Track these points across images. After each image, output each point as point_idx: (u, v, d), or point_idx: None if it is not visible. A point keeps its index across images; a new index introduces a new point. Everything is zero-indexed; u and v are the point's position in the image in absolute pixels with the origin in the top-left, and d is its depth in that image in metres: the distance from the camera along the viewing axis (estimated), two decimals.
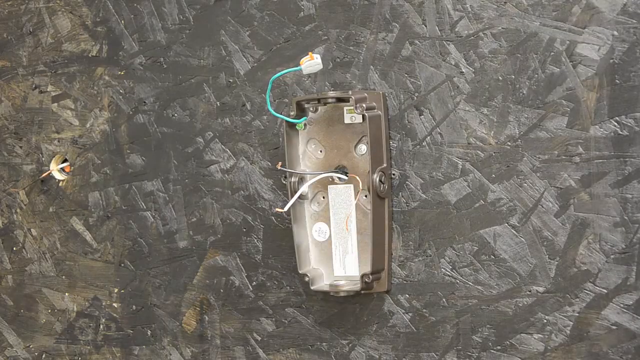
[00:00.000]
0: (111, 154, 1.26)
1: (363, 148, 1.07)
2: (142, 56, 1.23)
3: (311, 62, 1.01)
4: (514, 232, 1.02)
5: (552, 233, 1.00)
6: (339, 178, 1.09)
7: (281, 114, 1.10)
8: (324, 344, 1.13)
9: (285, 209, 1.06)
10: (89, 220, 1.28)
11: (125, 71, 1.24)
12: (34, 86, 1.31)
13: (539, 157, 1.01)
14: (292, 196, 1.06)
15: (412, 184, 1.07)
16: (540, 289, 1.01)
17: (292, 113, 1.08)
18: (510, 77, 1.01)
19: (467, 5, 1.03)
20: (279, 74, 1.05)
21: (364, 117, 1.05)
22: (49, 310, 1.31)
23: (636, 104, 0.96)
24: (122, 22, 1.23)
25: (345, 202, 1.09)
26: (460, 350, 1.05)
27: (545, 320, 1.01)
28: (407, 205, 1.07)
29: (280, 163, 1.08)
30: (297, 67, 1.03)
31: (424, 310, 1.07)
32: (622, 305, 0.98)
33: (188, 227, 1.21)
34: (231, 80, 1.17)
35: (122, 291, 1.26)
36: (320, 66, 1.02)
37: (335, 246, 1.10)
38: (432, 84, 1.05)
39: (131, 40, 1.23)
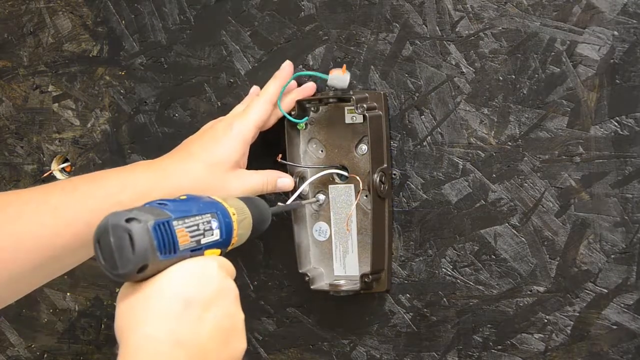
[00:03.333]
0: (112, 154, 1.26)
1: (364, 148, 1.07)
2: (142, 56, 1.23)
3: (339, 76, 1.01)
4: (515, 232, 1.02)
5: (553, 233, 1.01)
6: (339, 175, 1.09)
7: None
8: (325, 343, 1.13)
9: (288, 202, 1.05)
10: None
11: (126, 71, 1.24)
12: (34, 86, 1.31)
13: (539, 157, 1.01)
14: (292, 196, 1.07)
15: (413, 184, 1.07)
16: (541, 289, 1.01)
17: (293, 112, 1.08)
18: (510, 77, 1.01)
19: (468, 6, 1.03)
20: (304, 72, 1.05)
21: (364, 117, 1.05)
22: (51, 310, 1.31)
23: (636, 104, 0.96)
24: (123, 22, 1.23)
25: (345, 202, 1.09)
26: (461, 349, 1.05)
27: (545, 320, 1.01)
28: (408, 205, 1.08)
29: (280, 155, 1.08)
30: (324, 74, 1.03)
31: (425, 310, 1.07)
32: (622, 305, 0.98)
33: None
34: (232, 81, 1.17)
35: None
36: (346, 85, 1.02)
37: (335, 246, 1.10)
38: (433, 84, 1.05)
39: (132, 41, 1.23)
